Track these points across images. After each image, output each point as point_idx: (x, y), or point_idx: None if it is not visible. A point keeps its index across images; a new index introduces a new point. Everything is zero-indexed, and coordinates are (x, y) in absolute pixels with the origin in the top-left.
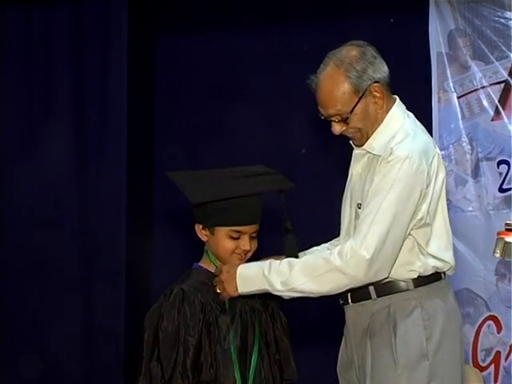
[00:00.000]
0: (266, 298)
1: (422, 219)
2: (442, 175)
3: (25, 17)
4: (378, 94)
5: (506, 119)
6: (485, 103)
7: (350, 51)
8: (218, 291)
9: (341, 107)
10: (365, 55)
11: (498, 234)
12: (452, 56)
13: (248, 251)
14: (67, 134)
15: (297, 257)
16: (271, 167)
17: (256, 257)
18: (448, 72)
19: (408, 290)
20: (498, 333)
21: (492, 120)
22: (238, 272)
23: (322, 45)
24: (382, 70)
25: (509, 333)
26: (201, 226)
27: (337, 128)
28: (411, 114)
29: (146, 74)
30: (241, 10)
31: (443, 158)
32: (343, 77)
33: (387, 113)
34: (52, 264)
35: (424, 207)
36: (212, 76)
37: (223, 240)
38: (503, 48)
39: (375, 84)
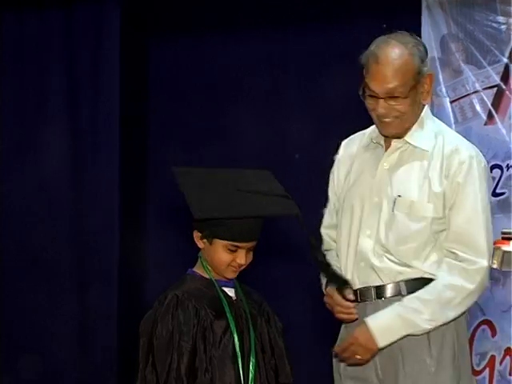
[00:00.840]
0: (261, 303)
1: None
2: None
3: (18, 18)
4: (427, 85)
5: (499, 123)
6: (478, 108)
7: (409, 36)
8: (358, 357)
9: (401, 83)
10: (422, 43)
11: (495, 243)
12: (444, 61)
13: (243, 265)
14: (60, 135)
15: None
16: (270, 169)
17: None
18: (441, 77)
19: None
20: (493, 337)
21: (485, 124)
22: (371, 327)
23: (316, 49)
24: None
25: (503, 337)
26: (199, 234)
27: (383, 106)
28: None
29: (138, 75)
30: (233, 11)
31: None
32: (410, 55)
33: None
34: (46, 265)
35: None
36: (205, 77)
37: (220, 252)
38: (496, 52)
39: (430, 72)
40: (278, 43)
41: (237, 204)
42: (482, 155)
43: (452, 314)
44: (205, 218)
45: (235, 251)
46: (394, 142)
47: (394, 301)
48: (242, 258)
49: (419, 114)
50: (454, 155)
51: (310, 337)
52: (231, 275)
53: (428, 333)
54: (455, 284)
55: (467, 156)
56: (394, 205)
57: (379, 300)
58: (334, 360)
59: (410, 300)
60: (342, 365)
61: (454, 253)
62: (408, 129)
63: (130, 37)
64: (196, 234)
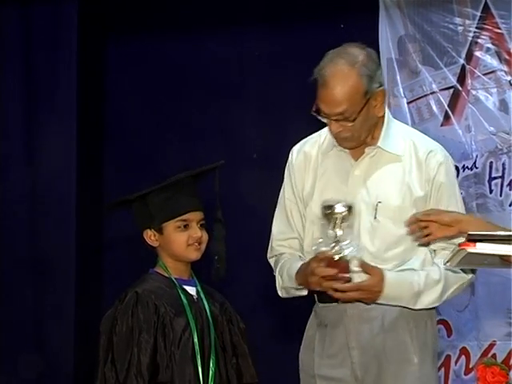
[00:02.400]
0: (223, 303)
1: None
2: None
3: None
4: (379, 99)
5: (455, 124)
6: (434, 109)
7: (359, 51)
8: (362, 296)
9: (349, 107)
10: (371, 56)
11: (460, 245)
12: (402, 61)
13: (201, 240)
14: (15, 133)
15: (223, 250)
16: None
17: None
18: (398, 77)
19: None
20: (449, 337)
21: (441, 125)
22: (386, 277)
23: (273, 50)
24: (383, 74)
25: (459, 337)
26: (148, 232)
27: (335, 127)
28: None
29: (95, 74)
30: (192, 8)
31: None
32: (357, 77)
33: (383, 118)
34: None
35: None
36: (164, 75)
37: (173, 234)
38: (452, 53)
39: (381, 88)
40: (237, 42)
41: (166, 181)
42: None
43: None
44: (139, 195)
45: (186, 227)
46: (367, 149)
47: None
48: (197, 231)
49: (378, 124)
50: (430, 158)
51: (272, 337)
52: (194, 255)
53: (411, 331)
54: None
55: (443, 157)
56: (375, 211)
57: (361, 302)
58: (301, 360)
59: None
60: (316, 364)
61: (445, 249)
62: (364, 140)
63: (88, 35)
64: (146, 234)
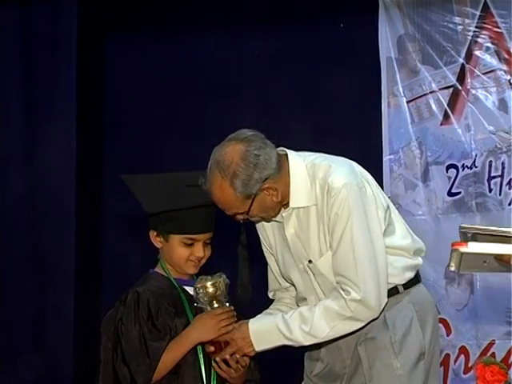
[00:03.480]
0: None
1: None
2: (370, 178)
3: None
4: (271, 190)
5: (455, 124)
6: (434, 108)
7: (233, 156)
8: (231, 350)
9: (236, 210)
10: (248, 159)
11: (453, 245)
12: (401, 61)
13: (201, 258)
14: (14, 133)
15: (248, 281)
16: None
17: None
18: (398, 77)
19: (399, 293)
20: (448, 335)
21: (441, 124)
22: (250, 329)
23: (273, 49)
24: (269, 162)
25: (458, 336)
26: (155, 233)
27: (240, 218)
28: (300, 152)
29: (95, 74)
30: (190, 9)
31: (393, 162)
32: (231, 189)
33: (287, 173)
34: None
35: (380, 215)
36: (162, 75)
37: (177, 247)
38: (452, 53)
39: (265, 183)
40: (236, 42)
41: (185, 196)
42: (353, 179)
43: (330, 335)
44: (155, 211)
45: (192, 245)
46: (284, 213)
47: None
48: (200, 251)
49: (283, 194)
50: (326, 194)
51: None
52: (192, 270)
53: (392, 337)
54: (332, 308)
55: (337, 187)
56: (310, 270)
57: None
58: (306, 362)
59: (294, 315)
60: (310, 369)
61: (338, 282)
62: (279, 211)
63: (87, 35)
64: (152, 234)
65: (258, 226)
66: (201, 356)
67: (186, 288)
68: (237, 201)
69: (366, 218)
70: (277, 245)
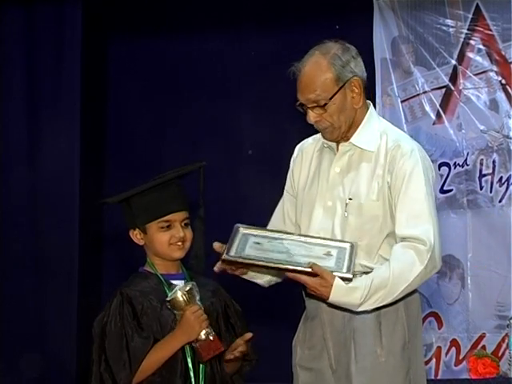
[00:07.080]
0: (216, 291)
1: None
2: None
3: None
4: (356, 90)
5: (446, 123)
6: (427, 108)
7: (335, 44)
8: (312, 291)
9: (320, 92)
10: (349, 50)
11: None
12: (395, 62)
13: (184, 239)
14: (18, 133)
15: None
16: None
17: None
18: (392, 77)
19: None
20: (439, 329)
21: (434, 124)
22: (335, 283)
23: (269, 50)
24: (362, 68)
25: (449, 329)
26: (134, 232)
27: (312, 116)
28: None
29: (99, 74)
30: (191, 10)
31: None
32: (328, 64)
33: (366, 111)
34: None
35: None
36: (165, 75)
37: (156, 235)
38: (444, 54)
39: (355, 78)
40: (234, 42)
41: (148, 183)
42: (423, 149)
43: (403, 291)
44: (121, 199)
45: (169, 227)
46: (341, 146)
47: None
48: (179, 231)
49: (358, 118)
50: (396, 150)
51: (268, 324)
52: (178, 253)
53: (380, 323)
54: (410, 260)
55: (409, 149)
56: (346, 207)
57: None
58: (293, 351)
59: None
60: (298, 356)
61: (404, 238)
62: (347, 132)
63: (91, 35)
64: (132, 234)
65: (296, 160)
66: (188, 356)
67: (174, 282)
68: (327, 79)
69: (430, 185)
70: (307, 181)
